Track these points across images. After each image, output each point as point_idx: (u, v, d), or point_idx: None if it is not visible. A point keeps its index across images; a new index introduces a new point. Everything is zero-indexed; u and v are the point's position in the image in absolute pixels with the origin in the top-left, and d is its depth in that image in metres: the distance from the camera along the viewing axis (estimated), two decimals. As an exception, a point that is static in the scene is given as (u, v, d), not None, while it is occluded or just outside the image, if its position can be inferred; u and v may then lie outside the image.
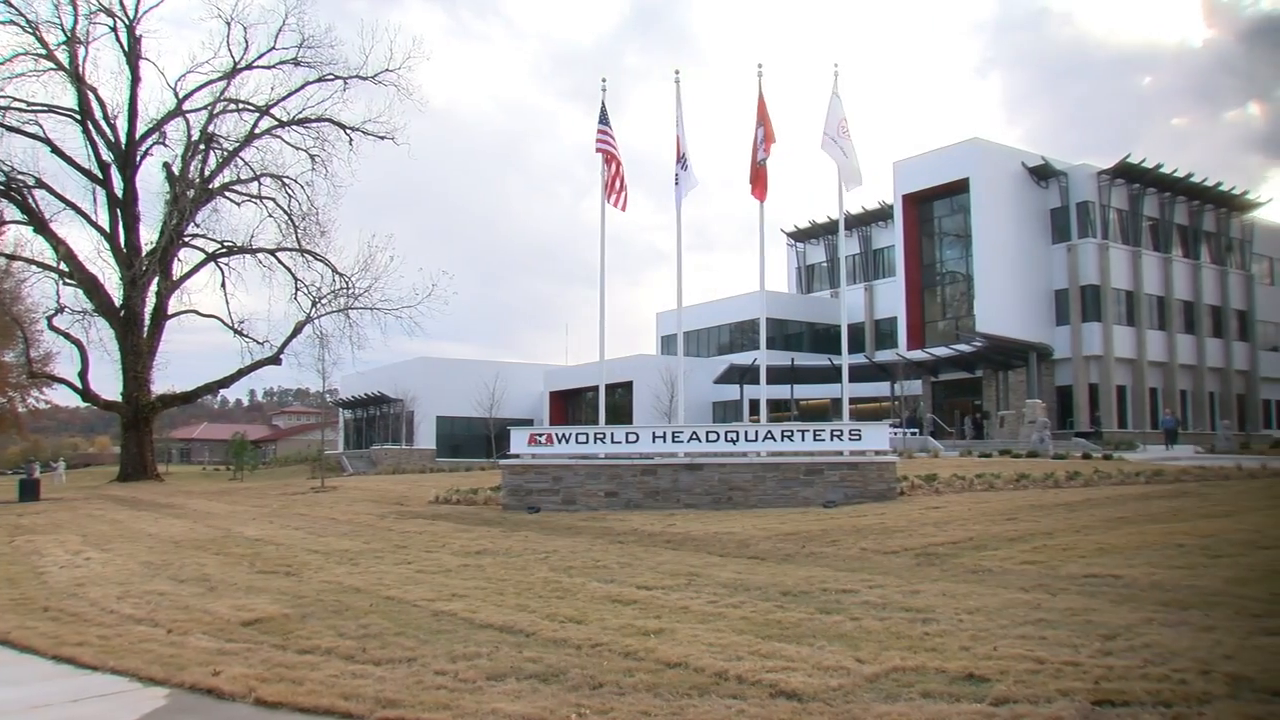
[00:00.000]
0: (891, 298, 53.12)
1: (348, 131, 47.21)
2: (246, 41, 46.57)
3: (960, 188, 48.06)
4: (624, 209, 22.42)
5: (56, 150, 44.34)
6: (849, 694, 6.01)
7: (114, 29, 45.43)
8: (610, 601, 9.20)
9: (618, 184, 22.10)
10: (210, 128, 46.49)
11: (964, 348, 44.42)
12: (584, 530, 16.02)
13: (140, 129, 46.08)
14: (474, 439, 54.84)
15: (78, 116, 44.52)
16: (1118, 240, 48.39)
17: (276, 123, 47.32)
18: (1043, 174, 48.76)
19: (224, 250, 47.24)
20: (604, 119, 22.51)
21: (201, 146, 46.34)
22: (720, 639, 7.45)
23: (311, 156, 47.03)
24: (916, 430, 41.95)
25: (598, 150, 22.37)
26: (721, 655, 6.95)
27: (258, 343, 47.30)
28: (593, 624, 8.19)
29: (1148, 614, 7.86)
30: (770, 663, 6.71)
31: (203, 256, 47.36)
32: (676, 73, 22.65)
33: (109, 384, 53.31)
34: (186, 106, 46.43)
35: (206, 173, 46.49)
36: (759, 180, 22.15)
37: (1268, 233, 56.26)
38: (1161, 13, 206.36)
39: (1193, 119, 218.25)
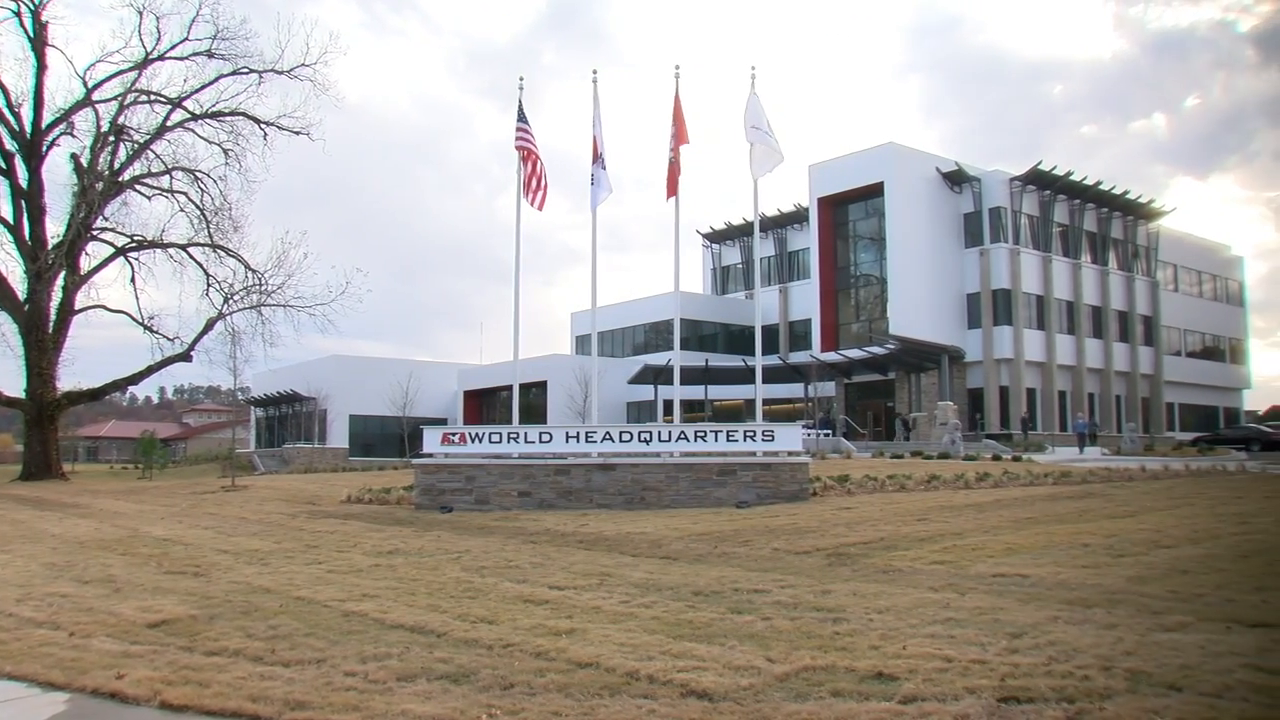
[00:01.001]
0: (806, 300, 53.48)
1: (262, 126, 46.46)
2: (159, 32, 45.55)
3: (875, 191, 48.56)
4: (541, 208, 22.34)
5: (-44, 139, 43.21)
6: (759, 693, 6.00)
7: (18, 14, 44.11)
8: (522, 602, 9.14)
9: (535, 182, 22.01)
10: (120, 119, 45.41)
11: (877, 350, 44.88)
12: (497, 530, 15.94)
13: (46, 118, 44.81)
14: (387, 438, 54.27)
15: (-22, 104, 43.43)
16: (1029, 245, 49.21)
17: (189, 115, 46.40)
18: (956, 179, 49.43)
19: (134, 244, 46.19)
20: (522, 117, 22.43)
21: (111, 138, 45.25)
22: (632, 639, 7.43)
23: (225, 151, 46.18)
24: (829, 432, 42.30)
25: (517, 148, 22.28)
26: (633, 655, 6.93)
27: (168, 339, 46.33)
28: (504, 624, 8.13)
29: (1053, 612, 7.97)
30: (681, 662, 6.69)
31: (112, 250, 46.21)
32: (594, 73, 22.63)
33: (12, 380, 51.92)
34: (96, 97, 45.29)
35: (116, 165, 45.38)
36: (671, 179, 22.21)
37: (1171, 240, 57.46)
38: (1072, 24, 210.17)
39: (1101, 127, 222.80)
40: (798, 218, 57.16)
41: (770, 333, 53.20)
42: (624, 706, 5.82)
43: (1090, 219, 52.52)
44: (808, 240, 54.39)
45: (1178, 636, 7.06)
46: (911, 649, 6.86)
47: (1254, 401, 68.13)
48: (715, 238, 64.15)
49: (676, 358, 23.81)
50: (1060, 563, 10.37)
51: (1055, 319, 49.82)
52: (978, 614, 8.00)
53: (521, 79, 22.92)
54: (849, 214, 52.37)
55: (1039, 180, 49.15)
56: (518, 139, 22.28)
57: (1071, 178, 49.66)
